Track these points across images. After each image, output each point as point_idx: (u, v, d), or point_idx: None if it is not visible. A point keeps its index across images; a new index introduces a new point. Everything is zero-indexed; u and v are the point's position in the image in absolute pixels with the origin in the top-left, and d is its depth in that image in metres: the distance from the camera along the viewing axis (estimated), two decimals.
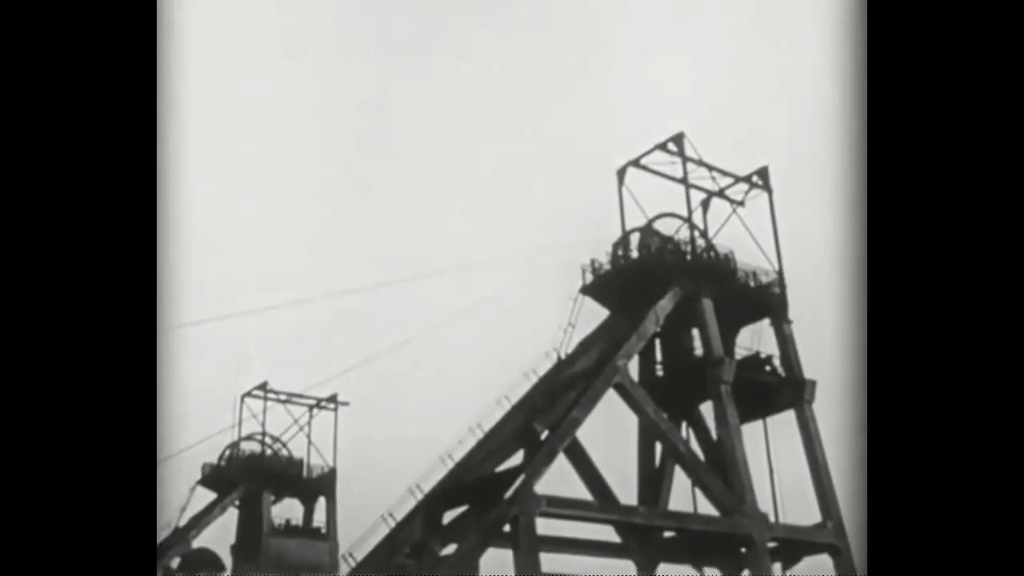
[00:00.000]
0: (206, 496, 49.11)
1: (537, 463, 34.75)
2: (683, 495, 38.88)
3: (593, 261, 39.28)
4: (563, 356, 38.39)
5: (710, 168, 41.60)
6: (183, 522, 46.88)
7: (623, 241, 39.72)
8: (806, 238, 41.45)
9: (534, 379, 38.13)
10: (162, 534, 45.33)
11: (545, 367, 38.38)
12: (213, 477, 49.44)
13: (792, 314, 40.03)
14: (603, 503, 36.67)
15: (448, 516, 38.52)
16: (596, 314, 39.43)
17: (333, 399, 53.66)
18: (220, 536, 46.68)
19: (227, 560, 45.08)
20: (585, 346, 38.66)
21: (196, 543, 43.75)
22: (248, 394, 52.62)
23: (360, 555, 38.04)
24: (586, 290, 39.04)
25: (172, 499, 47.77)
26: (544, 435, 35.86)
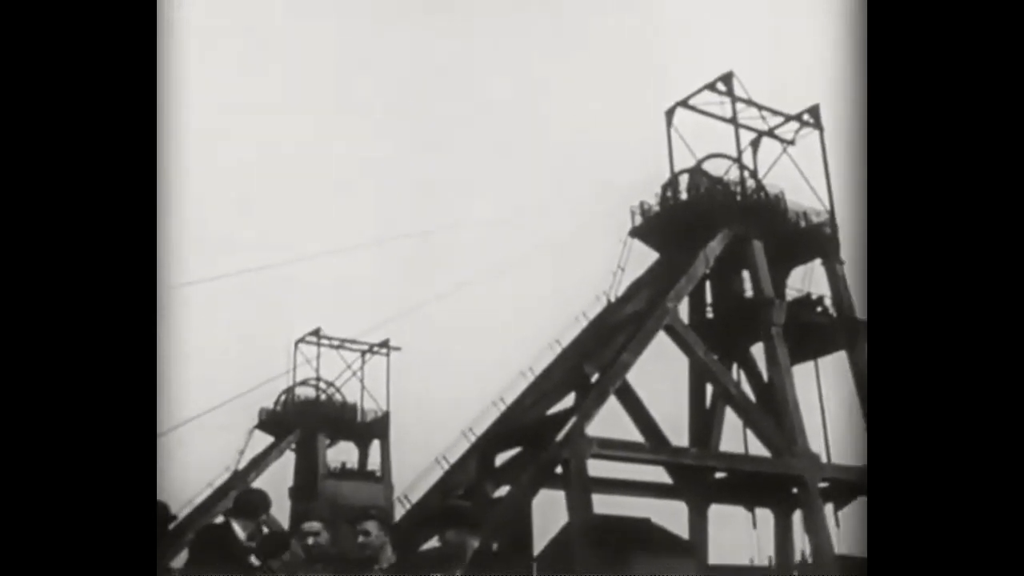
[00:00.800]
0: (263, 440, 50.17)
1: (588, 405, 35.02)
2: (734, 436, 39.05)
3: (642, 203, 39.19)
4: (613, 299, 38.50)
5: (760, 107, 41.17)
6: (242, 465, 48.03)
7: (672, 183, 39.55)
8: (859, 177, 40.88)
9: (584, 322, 38.32)
10: (222, 477, 46.49)
11: (595, 310, 38.57)
12: (270, 421, 50.41)
13: (844, 254, 39.68)
14: (654, 444, 36.92)
15: (501, 459, 39.02)
16: (645, 256, 39.45)
17: (385, 344, 54.29)
18: (278, 479, 47.75)
19: (286, 502, 46.18)
20: (635, 289, 38.72)
21: (255, 485, 44.72)
22: (302, 340, 53.38)
23: (415, 497, 38.70)
24: (635, 232, 39.00)
25: (231, 443, 48.89)
26: (595, 378, 36.09)
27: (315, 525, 6.51)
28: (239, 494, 6.00)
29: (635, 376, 35.95)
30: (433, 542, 5.95)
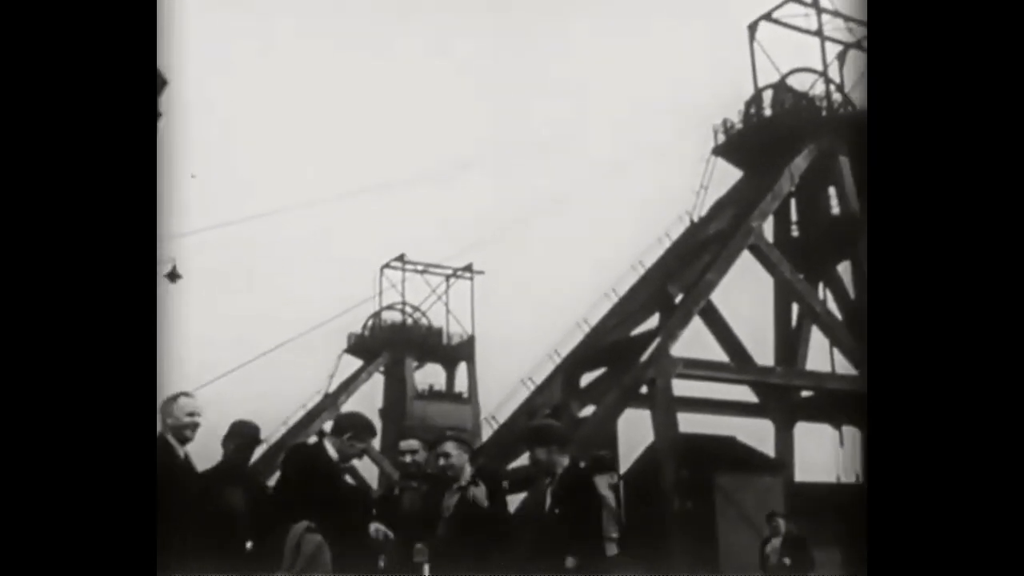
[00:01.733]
0: (353, 363, 51.16)
1: (672, 326, 35.00)
2: (820, 355, 38.72)
3: (725, 121, 38.59)
4: (696, 219, 38.22)
5: (846, 19, 39.98)
6: (332, 388, 49.12)
7: (756, 99, 38.80)
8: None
9: (668, 243, 38.17)
10: (313, 400, 47.65)
11: (678, 230, 38.35)
12: (358, 346, 51.33)
13: None
14: (739, 364, 36.82)
15: (586, 379, 39.33)
16: (729, 175, 38.97)
17: (469, 268, 54.68)
18: (367, 401, 48.77)
19: (376, 423, 47.02)
20: (718, 208, 38.36)
21: (345, 408, 45.74)
22: (387, 266, 54.03)
23: (502, 418, 39.29)
24: (718, 151, 38.49)
25: (322, 367, 49.99)
26: (679, 298, 36.03)
27: (413, 443, 6.70)
28: (344, 415, 6.23)
29: (719, 296, 35.80)
30: (522, 460, 6.12)
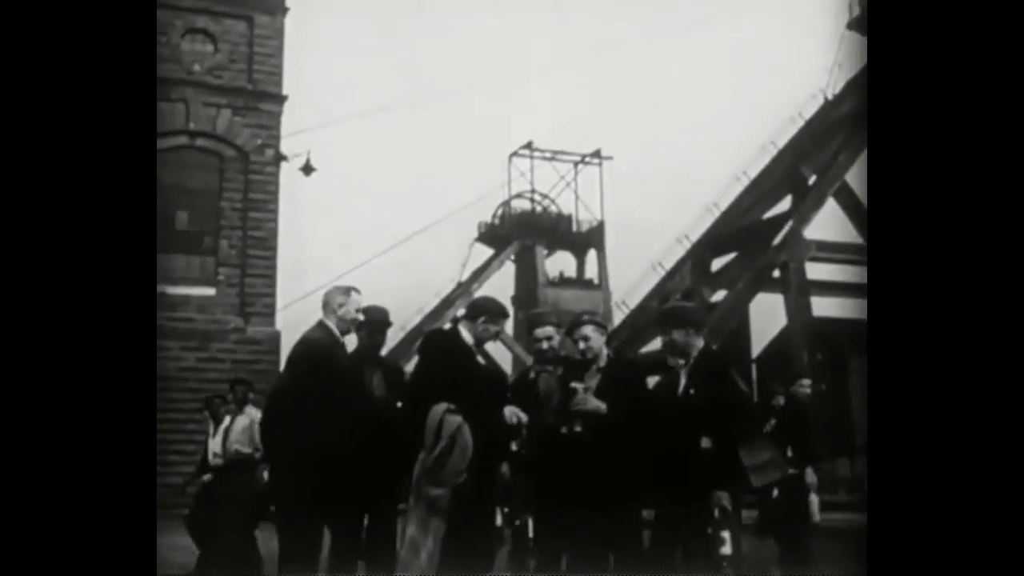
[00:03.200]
0: (484, 252, 51.74)
1: (806, 208, 34.37)
2: None
3: None
4: (830, 97, 37.04)
5: None
6: (465, 277, 49.90)
7: None
8: None
9: (800, 122, 37.17)
10: (447, 288, 48.54)
11: (812, 109, 37.25)
12: (489, 234, 51.76)
13: None
14: None
15: (717, 263, 39.05)
16: (864, 51, 37.46)
17: (597, 154, 54.23)
18: (499, 289, 49.41)
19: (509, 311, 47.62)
20: (853, 86, 37.03)
21: (477, 295, 46.41)
22: (515, 154, 54.01)
23: (632, 303, 39.44)
24: (852, 26, 37.01)
25: (454, 256, 50.73)
26: (812, 180, 35.23)
27: (548, 330, 6.81)
28: (477, 300, 6.36)
29: (854, 176, 34.83)
30: (652, 345, 6.18)
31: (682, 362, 5.94)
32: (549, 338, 6.72)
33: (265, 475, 8.75)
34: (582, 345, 6.24)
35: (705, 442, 5.55)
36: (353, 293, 6.06)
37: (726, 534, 7.27)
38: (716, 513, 5.58)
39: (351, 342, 6.29)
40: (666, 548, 5.68)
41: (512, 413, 5.93)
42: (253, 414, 8.94)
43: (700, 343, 5.88)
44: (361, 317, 6.17)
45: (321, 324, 5.94)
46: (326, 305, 5.96)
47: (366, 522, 6.23)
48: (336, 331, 5.93)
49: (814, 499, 5.74)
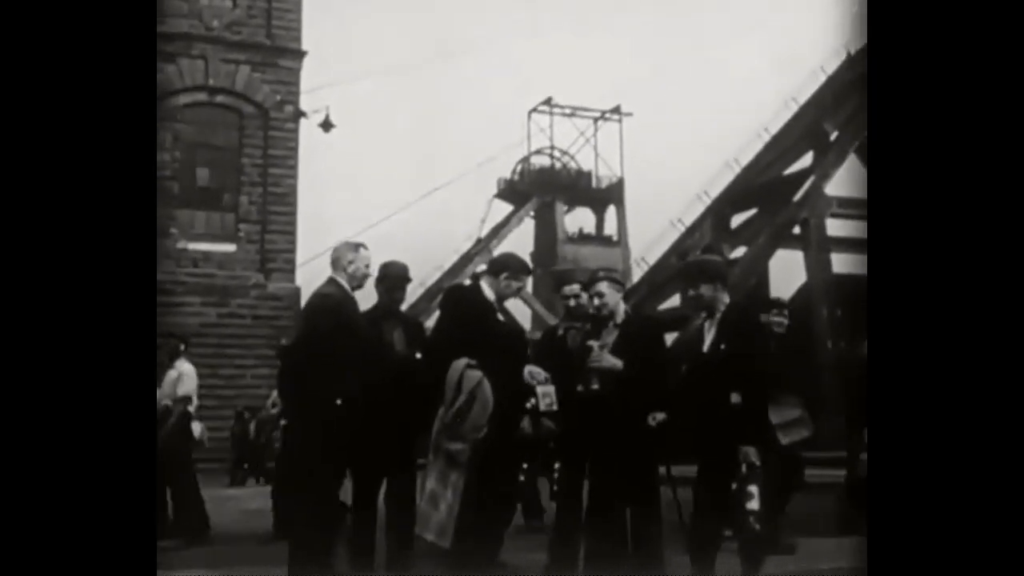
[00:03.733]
0: (503, 208, 51.68)
1: (827, 164, 34.15)
2: None
3: None
4: (853, 52, 36.62)
5: None
6: (484, 233, 49.87)
7: None
8: None
9: (822, 78, 36.80)
10: (466, 245, 48.54)
11: (833, 65, 36.86)
12: (508, 190, 51.66)
13: None
14: None
15: (736, 220, 38.89)
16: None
17: (617, 110, 53.93)
18: (518, 245, 49.41)
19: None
20: None
21: (496, 251, 46.45)
22: (534, 110, 53.76)
23: (651, 259, 39.39)
24: None
25: (472, 212, 50.71)
26: (834, 136, 34.96)
27: (575, 287, 6.83)
28: (499, 256, 6.36)
29: None
30: (672, 302, 6.13)
31: (705, 315, 5.88)
32: (576, 295, 6.73)
33: (197, 429, 9.12)
34: (596, 302, 6.23)
35: (735, 397, 5.52)
36: (361, 249, 6.08)
37: (754, 488, 7.26)
38: (744, 468, 5.56)
39: (364, 300, 6.32)
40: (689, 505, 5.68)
41: (531, 373, 5.96)
42: (183, 368, 9.23)
43: (726, 298, 5.78)
44: (371, 273, 6.20)
45: (332, 280, 5.98)
46: (336, 262, 5.99)
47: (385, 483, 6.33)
48: (347, 287, 5.96)
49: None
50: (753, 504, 9.31)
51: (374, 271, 6.23)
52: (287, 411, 5.91)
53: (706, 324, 5.79)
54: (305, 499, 5.76)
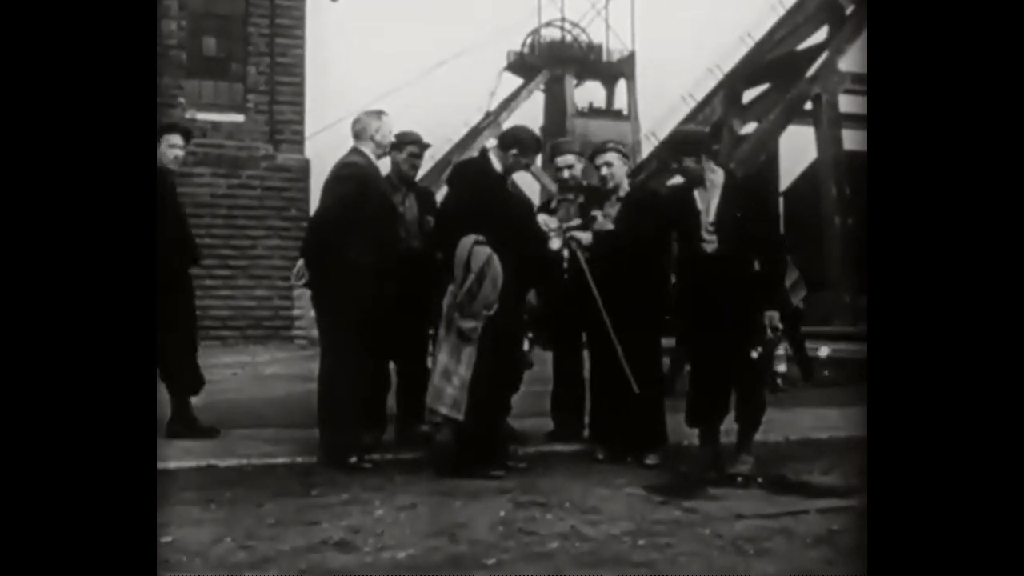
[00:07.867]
0: (513, 81, 51.09)
1: (841, 39, 33.65)
2: None
3: None
4: None
5: None
6: (493, 106, 49.44)
7: None
8: None
9: None
10: (475, 118, 48.18)
11: None
12: (518, 63, 51.00)
13: None
14: None
15: (748, 95, 38.51)
16: None
17: None
18: (528, 119, 48.98)
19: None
20: None
21: (505, 125, 45.93)
22: None
23: (661, 134, 39.14)
24: None
25: (483, 85, 50.19)
26: (850, 9, 34.35)
27: (569, 158, 6.85)
28: (509, 130, 6.32)
29: None
30: (679, 178, 6.09)
31: (685, 183, 5.82)
32: (570, 166, 6.76)
33: None
34: (604, 171, 6.27)
35: (756, 266, 5.58)
36: (384, 116, 6.11)
37: (781, 351, 7.44)
38: (769, 333, 5.64)
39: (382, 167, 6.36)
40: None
41: (544, 222, 6.05)
42: None
43: (719, 170, 5.71)
44: (394, 141, 6.26)
45: (356, 150, 6.00)
46: (362, 132, 5.99)
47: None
48: (372, 156, 6.01)
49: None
50: (782, 367, 9.50)
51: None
52: (314, 281, 5.98)
53: (696, 193, 5.69)
54: (339, 365, 5.84)
